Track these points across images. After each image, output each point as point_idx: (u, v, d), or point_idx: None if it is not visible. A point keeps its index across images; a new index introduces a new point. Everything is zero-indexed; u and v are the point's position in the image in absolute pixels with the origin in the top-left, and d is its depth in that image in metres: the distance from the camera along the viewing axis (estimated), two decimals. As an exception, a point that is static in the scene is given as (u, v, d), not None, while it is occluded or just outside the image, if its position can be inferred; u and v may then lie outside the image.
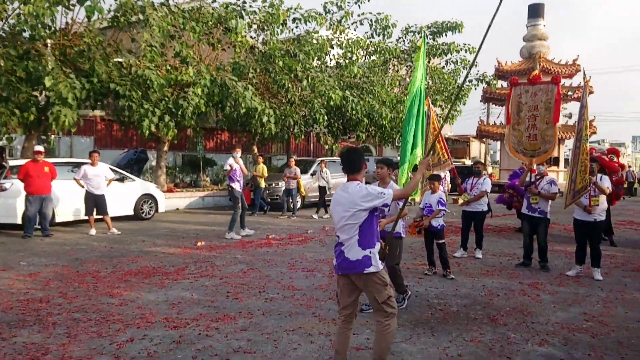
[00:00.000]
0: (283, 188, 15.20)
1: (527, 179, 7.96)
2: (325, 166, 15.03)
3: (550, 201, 7.79)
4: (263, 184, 15.11)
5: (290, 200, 14.70)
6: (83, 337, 4.41)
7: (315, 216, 14.26)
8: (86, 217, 10.60)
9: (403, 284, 5.68)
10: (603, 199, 7.17)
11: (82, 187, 10.34)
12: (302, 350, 4.22)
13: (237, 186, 10.36)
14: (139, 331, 4.60)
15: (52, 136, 17.10)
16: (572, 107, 28.31)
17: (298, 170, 14.45)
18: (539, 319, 5.25)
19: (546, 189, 7.66)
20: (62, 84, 10.64)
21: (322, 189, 14.73)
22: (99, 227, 10.59)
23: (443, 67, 21.89)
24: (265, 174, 15.03)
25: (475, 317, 5.27)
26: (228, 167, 10.37)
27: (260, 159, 15.54)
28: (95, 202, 10.41)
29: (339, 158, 19.62)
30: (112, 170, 11.94)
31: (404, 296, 5.63)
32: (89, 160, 10.65)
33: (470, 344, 4.47)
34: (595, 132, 25.94)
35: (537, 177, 7.86)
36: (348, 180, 3.78)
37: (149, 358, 3.98)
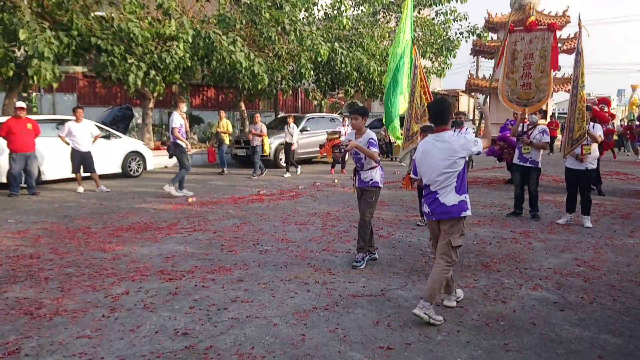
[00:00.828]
0: (273, 144, 15.03)
1: (520, 129, 7.91)
2: (293, 121, 14.07)
3: (541, 151, 7.78)
4: (227, 141, 14.51)
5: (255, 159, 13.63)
6: (77, 291, 4.36)
7: (287, 175, 13.53)
8: (73, 175, 10.42)
9: (372, 240, 5.36)
10: (595, 147, 7.18)
11: (67, 144, 10.09)
12: (299, 298, 4.23)
13: (185, 143, 9.63)
14: (133, 284, 4.57)
15: (34, 93, 16.62)
16: (562, 60, 28.07)
17: (264, 127, 13.53)
18: (532, 265, 5.32)
19: (538, 139, 7.62)
20: (39, 37, 10.21)
21: (288, 145, 13.93)
22: (87, 185, 10.43)
23: (433, 19, 21.43)
24: (230, 130, 14.36)
25: (468, 264, 5.32)
26: (178, 125, 9.47)
27: (223, 114, 14.49)
28: (81, 160, 10.21)
29: (328, 114, 19.25)
30: (98, 127, 11.67)
31: (364, 255, 5.25)
32: (73, 117, 10.36)
33: (465, 289, 4.51)
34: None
35: (530, 126, 7.82)
36: (437, 131, 3.93)
37: (145, 309, 3.96)
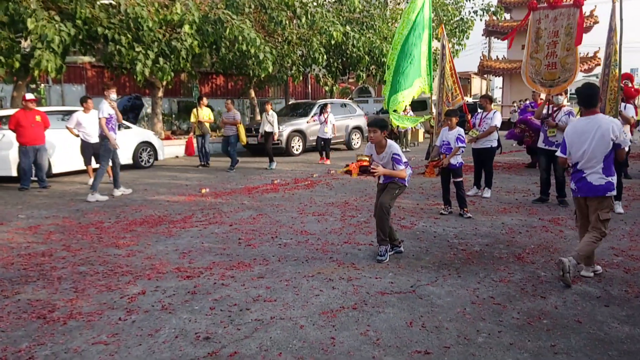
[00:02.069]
0: (285, 132, 14.76)
1: (544, 111, 7.57)
2: (271, 108, 12.56)
3: None
4: (209, 130, 13.22)
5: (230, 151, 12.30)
6: (91, 292, 4.16)
7: (270, 167, 12.34)
8: (84, 167, 10.23)
9: (393, 234, 5.08)
10: (627, 129, 6.83)
11: (77, 136, 9.88)
12: (324, 297, 3.99)
13: (112, 137, 8.41)
14: (150, 283, 4.36)
15: (42, 85, 16.45)
16: (586, 37, 27.39)
17: (238, 115, 12.20)
18: (567, 255, 5.02)
19: (564, 121, 7.26)
20: (48, 25, 9.96)
21: (267, 135, 12.48)
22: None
23: (445, -1, 20.88)
24: (212, 119, 13.09)
25: (500, 256, 5.04)
26: (106, 115, 8.32)
27: (204, 101, 13.04)
28: (93, 151, 10.00)
29: (339, 100, 18.90)
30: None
31: (387, 248, 4.95)
32: (81, 108, 10.14)
33: (500, 284, 4.25)
34: (599, 64, 25.23)
35: (555, 108, 7.47)
36: (588, 114, 4.27)
37: (164, 311, 3.75)
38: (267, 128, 12.43)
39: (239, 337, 3.32)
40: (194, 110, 12.77)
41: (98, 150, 10.02)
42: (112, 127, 8.48)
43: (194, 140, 13.21)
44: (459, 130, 6.68)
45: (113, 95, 8.67)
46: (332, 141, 13.99)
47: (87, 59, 16.62)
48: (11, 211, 7.50)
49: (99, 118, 8.37)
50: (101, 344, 3.24)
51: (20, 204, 8.09)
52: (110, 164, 8.78)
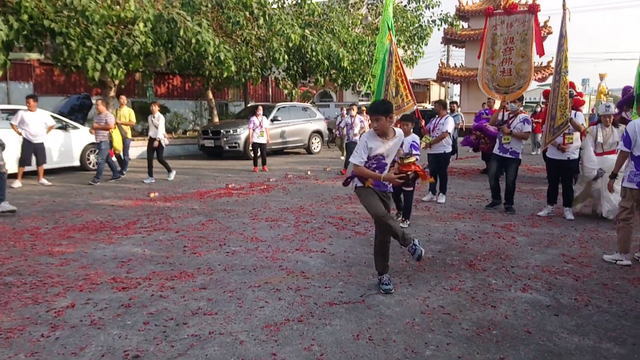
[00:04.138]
0: (243, 134, 14.46)
1: (499, 117, 7.60)
2: (159, 109, 10.62)
3: (523, 141, 7.49)
4: (130, 135, 11.62)
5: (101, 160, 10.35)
6: (15, 305, 3.80)
7: (170, 177, 10.68)
8: (35, 168, 9.67)
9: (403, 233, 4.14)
10: (577, 136, 6.92)
11: (19, 134, 9.33)
12: (269, 309, 3.77)
13: None
14: (81, 295, 4.03)
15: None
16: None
17: (111, 118, 10.35)
18: (518, 262, 5.00)
19: (519, 128, 7.31)
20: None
21: (151, 142, 10.48)
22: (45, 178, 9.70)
23: (405, 6, 21.04)
24: (133, 121, 11.48)
25: (452, 263, 4.96)
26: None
27: (123, 100, 11.47)
28: (34, 151, 9.47)
29: (300, 103, 18.67)
30: (54, 117, 10.89)
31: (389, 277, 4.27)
32: (25, 107, 9.59)
33: (451, 292, 4.14)
34: (552, 73, 26.00)
35: (510, 115, 7.50)
36: None
37: (92, 326, 3.45)
38: (152, 133, 10.42)
39: (171, 354, 3.06)
40: (113, 111, 11.54)
41: (39, 150, 9.53)
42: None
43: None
44: (414, 137, 6.31)
45: None
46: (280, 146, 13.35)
47: (34, 55, 15.83)
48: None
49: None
50: (16, 365, 2.92)
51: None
52: None
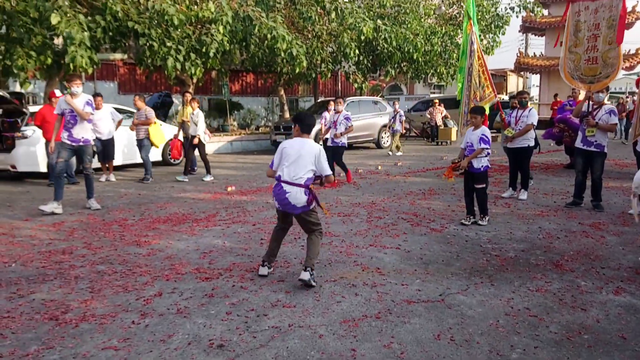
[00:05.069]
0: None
1: (584, 108, 7.13)
2: (198, 106, 10.25)
3: (608, 133, 6.99)
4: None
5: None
6: (107, 292, 4.05)
7: (205, 178, 10.16)
8: (123, 163, 10.31)
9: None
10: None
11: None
12: (346, 304, 3.77)
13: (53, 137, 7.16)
14: (168, 284, 4.23)
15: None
16: (627, 34, 26.33)
17: (151, 113, 10.17)
18: (609, 263, 4.68)
19: (604, 120, 6.82)
20: (72, 22, 10.00)
21: (191, 139, 10.14)
22: (130, 175, 10.29)
23: (480, -6, 20.24)
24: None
25: (536, 263, 4.72)
26: (58, 111, 7.07)
27: (188, 96, 10.92)
28: (103, 148, 9.95)
29: (370, 97, 18.56)
30: (118, 110, 11.00)
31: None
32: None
33: (537, 294, 3.94)
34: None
35: (595, 106, 7.02)
36: None
37: (178, 315, 3.60)
38: (192, 130, 10.12)
39: (254, 345, 3.14)
40: (179, 108, 11.42)
41: (108, 147, 10.02)
42: (68, 125, 7.10)
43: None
44: (484, 129, 6.08)
45: (75, 88, 6.99)
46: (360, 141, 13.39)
47: (118, 55, 16.80)
48: (38, 207, 7.53)
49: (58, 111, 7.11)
50: (111, 349, 3.10)
51: (48, 200, 8.11)
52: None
